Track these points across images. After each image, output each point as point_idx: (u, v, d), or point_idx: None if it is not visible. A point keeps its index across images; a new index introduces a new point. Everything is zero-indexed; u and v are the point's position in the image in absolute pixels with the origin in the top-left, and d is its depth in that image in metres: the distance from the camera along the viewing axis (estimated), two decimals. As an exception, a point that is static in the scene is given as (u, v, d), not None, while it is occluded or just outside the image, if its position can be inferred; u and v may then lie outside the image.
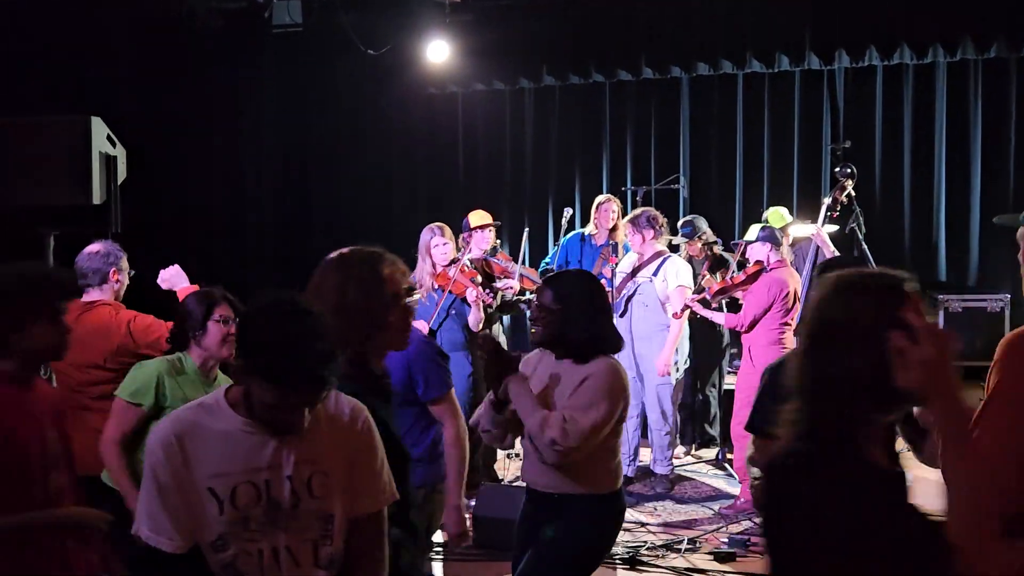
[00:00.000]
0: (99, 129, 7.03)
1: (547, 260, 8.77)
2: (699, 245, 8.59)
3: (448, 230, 7.23)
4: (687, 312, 7.69)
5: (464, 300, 7.20)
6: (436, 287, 7.10)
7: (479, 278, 7.37)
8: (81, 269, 5.15)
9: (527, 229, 8.95)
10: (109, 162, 7.13)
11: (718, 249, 8.75)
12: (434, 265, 7.10)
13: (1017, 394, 2.40)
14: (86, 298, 5.12)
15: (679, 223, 8.77)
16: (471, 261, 7.50)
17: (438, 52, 11.43)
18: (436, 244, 7.04)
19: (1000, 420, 2.38)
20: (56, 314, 3.25)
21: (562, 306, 3.92)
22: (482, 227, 7.72)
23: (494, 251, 7.90)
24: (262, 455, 2.53)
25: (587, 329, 3.93)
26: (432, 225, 7.20)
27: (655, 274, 7.52)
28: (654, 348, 7.57)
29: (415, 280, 7.04)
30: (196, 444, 2.51)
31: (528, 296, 7.84)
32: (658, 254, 7.62)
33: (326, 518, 2.60)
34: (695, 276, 8.25)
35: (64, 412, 3.47)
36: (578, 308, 3.94)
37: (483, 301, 7.16)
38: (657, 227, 7.61)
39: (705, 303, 7.75)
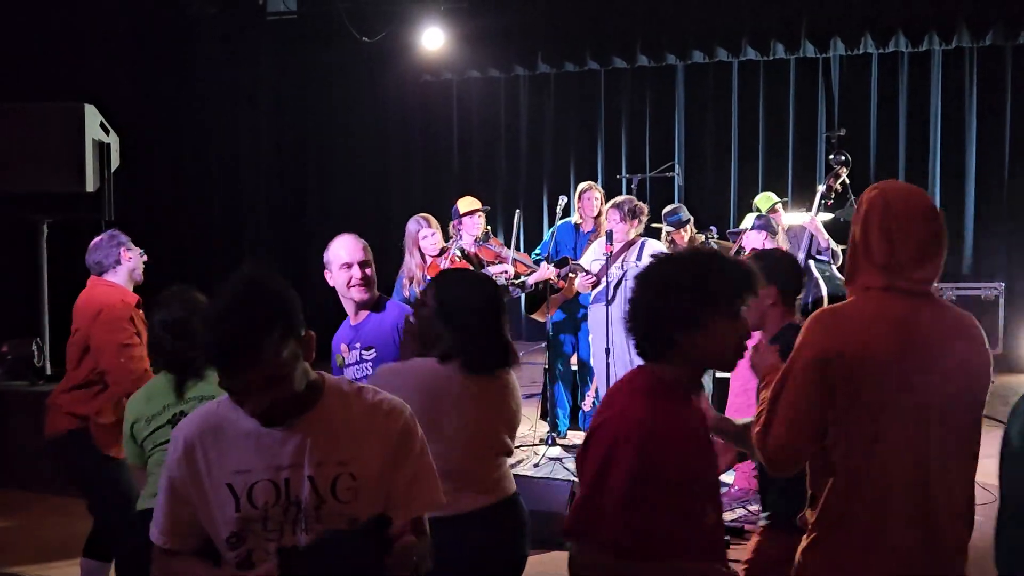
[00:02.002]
0: (93, 117, 7.02)
1: (538, 250, 8.76)
2: (688, 234, 8.59)
3: (434, 220, 7.18)
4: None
5: None
6: (428, 278, 7.06)
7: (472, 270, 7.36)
8: (90, 263, 5.15)
9: (519, 212, 8.88)
10: (103, 149, 7.12)
11: (700, 237, 8.74)
12: (423, 256, 7.06)
13: (788, 365, 2.77)
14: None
15: (664, 211, 8.75)
16: (462, 250, 7.47)
17: (433, 39, 11.41)
18: (425, 235, 7.00)
19: (777, 387, 2.78)
20: (736, 311, 2.62)
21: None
22: (471, 213, 7.69)
23: (486, 237, 7.86)
24: (283, 452, 2.43)
25: None
26: (418, 216, 7.15)
27: (639, 258, 7.51)
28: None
29: (404, 273, 7.02)
30: (219, 440, 2.45)
31: (522, 280, 7.84)
32: (634, 240, 7.63)
33: (352, 522, 2.44)
34: None
35: (707, 431, 2.85)
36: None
37: None
38: (641, 216, 7.62)
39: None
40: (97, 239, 5.17)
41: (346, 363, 4.17)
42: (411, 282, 6.95)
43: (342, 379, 2.58)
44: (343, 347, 4.20)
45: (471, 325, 3.36)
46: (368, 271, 4.12)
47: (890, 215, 2.77)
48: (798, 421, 2.71)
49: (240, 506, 2.44)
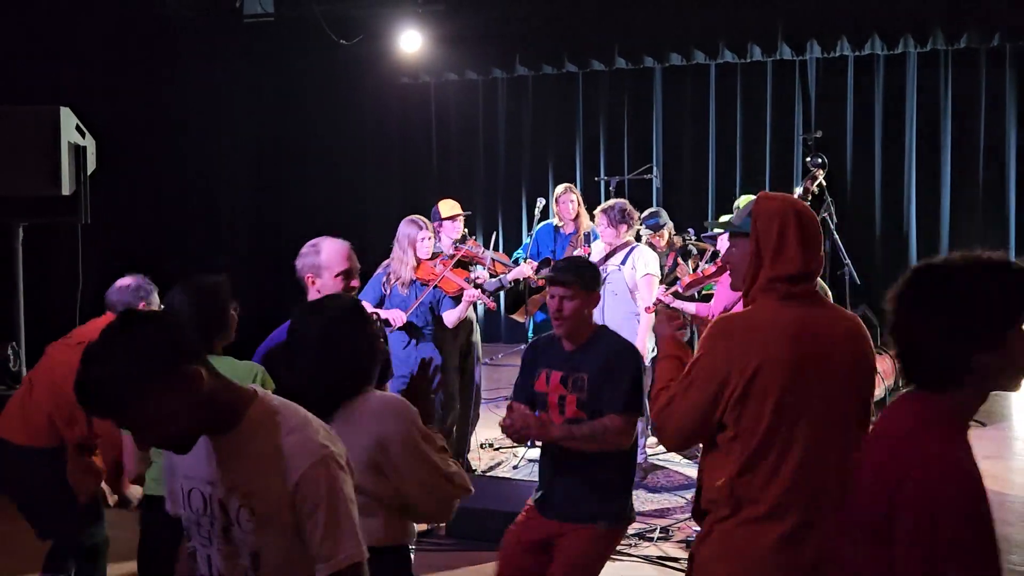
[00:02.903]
0: (68, 120, 6.97)
1: (519, 251, 8.77)
2: (665, 237, 8.60)
3: (429, 223, 7.17)
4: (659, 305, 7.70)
5: (453, 296, 7.12)
6: (415, 280, 7.02)
7: (471, 276, 7.35)
8: (111, 301, 5.09)
9: (496, 232, 8.92)
10: (79, 153, 7.07)
11: (679, 240, 8.75)
12: (417, 259, 7.02)
13: (696, 363, 2.98)
14: None
15: (642, 215, 8.77)
16: (442, 253, 7.46)
17: (411, 42, 11.40)
18: (423, 238, 6.96)
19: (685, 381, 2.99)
20: None
21: None
22: (453, 218, 7.68)
23: (463, 238, 7.87)
24: (209, 468, 2.44)
25: None
26: (415, 218, 7.07)
27: (623, 263, 7.50)
28: (625, 336, 7.54)
29: (388, 269, 6.95)
30: None
31: (499, 277, 7.86)
32: (626, 244, 7.61)
33: (253, 554, 2.42)
34: (661, 268, 8.28)
35: None
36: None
37: (485, 304, 7.16)
38: (631, 220, 7.60)
39: (677, 295, 7.76)
40: (127, 282, 5.08)
41: None
42: (395, 280, 6.87)
43: (275, 406, 2.44)
44: None
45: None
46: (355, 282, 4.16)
47: (804, 226, 2.98)
48: (697, 416, 2.95)
49: (183, 507, 2.54)
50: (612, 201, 7.75)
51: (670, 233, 8.64)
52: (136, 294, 4.98)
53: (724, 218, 8.12)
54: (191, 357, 2.29)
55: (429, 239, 7.01)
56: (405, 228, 6.98)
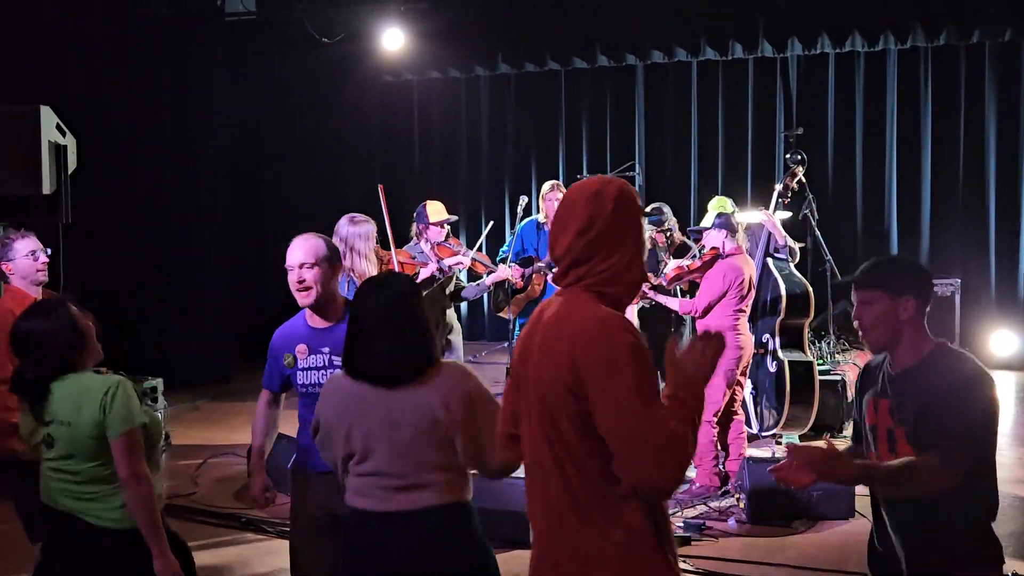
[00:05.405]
0: (49, 118, 6.95)
1: (504, 248, 8.77)
2: (667, 233, 8.63)
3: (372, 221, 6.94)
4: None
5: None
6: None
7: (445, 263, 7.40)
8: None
9: (491, 223, 8.93)
10: (59, 151, 7.05)
11: (679, 236, 8.78)
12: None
13: None
14: None
15: (646, 210, 8.77)
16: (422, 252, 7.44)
17: (393, 40, 11.38)
18: (373, 236, 6.77)
19: None
20: None
21: None
22: (440, 224, 7.64)
23: (446, 236, 7.88)
24: None
25: None
26: (360, 217, 6.75)
27: None
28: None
29: (357, 273, 6.67)
30: None
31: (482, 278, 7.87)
32: None
33: None
34: (658, 263, 8.30)
35: None
36: None
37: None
38: None
39: (660, 288, 7.78)
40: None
41: (298, 365, 4.08)
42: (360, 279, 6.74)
43: None
44: (300, 347, 4.12)
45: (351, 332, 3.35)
46: (305, 274, 4.00)
47: (574, 212, 2.66)
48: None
49: None
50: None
51: (674, 232, 8.66)
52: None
53: (709, 215, 8.14)
54: None
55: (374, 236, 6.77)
56: (355, 228, 6.49)
